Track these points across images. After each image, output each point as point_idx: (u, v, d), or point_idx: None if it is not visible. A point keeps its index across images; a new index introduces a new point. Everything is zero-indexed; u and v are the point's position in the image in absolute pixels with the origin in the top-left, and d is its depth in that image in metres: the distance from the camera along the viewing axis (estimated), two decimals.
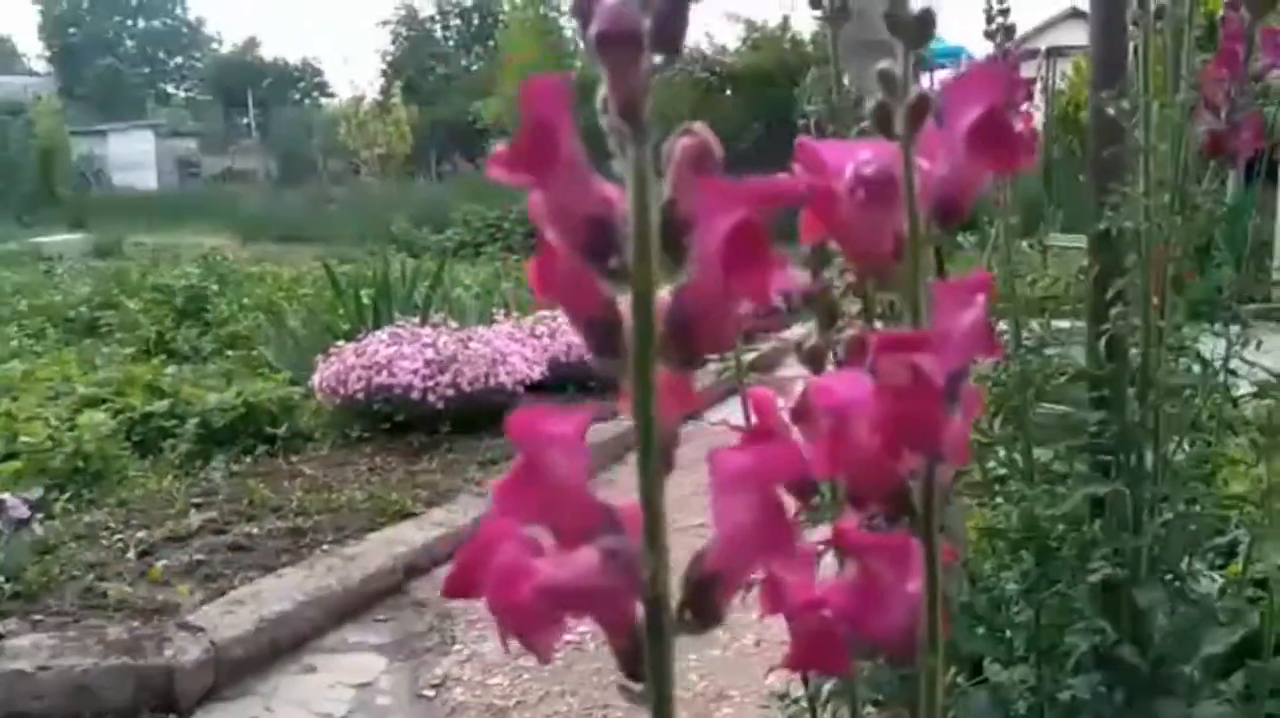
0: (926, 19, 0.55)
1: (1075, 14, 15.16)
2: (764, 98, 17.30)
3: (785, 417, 0.65)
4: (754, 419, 0.67)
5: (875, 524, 0.61)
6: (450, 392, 5.04)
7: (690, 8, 0.45)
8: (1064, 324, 1.78)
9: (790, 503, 0.59)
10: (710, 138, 0.46)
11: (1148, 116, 1.45)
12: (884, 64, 0.55)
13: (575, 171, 0.45)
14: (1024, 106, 1.68)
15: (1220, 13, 1.53)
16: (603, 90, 0.44)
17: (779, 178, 0.47)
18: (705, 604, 0.47)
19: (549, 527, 0.45)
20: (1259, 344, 1.48)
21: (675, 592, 0.47)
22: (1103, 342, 1.53)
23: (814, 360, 0.65)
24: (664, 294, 0.45)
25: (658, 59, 0.44)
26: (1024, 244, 1.86)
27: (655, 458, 0.45)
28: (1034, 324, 1.74)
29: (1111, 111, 1.46)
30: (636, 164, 0.44)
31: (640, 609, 0.45)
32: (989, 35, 1.60)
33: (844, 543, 0.55)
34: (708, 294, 0.44)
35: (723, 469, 0.46)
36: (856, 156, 0.54)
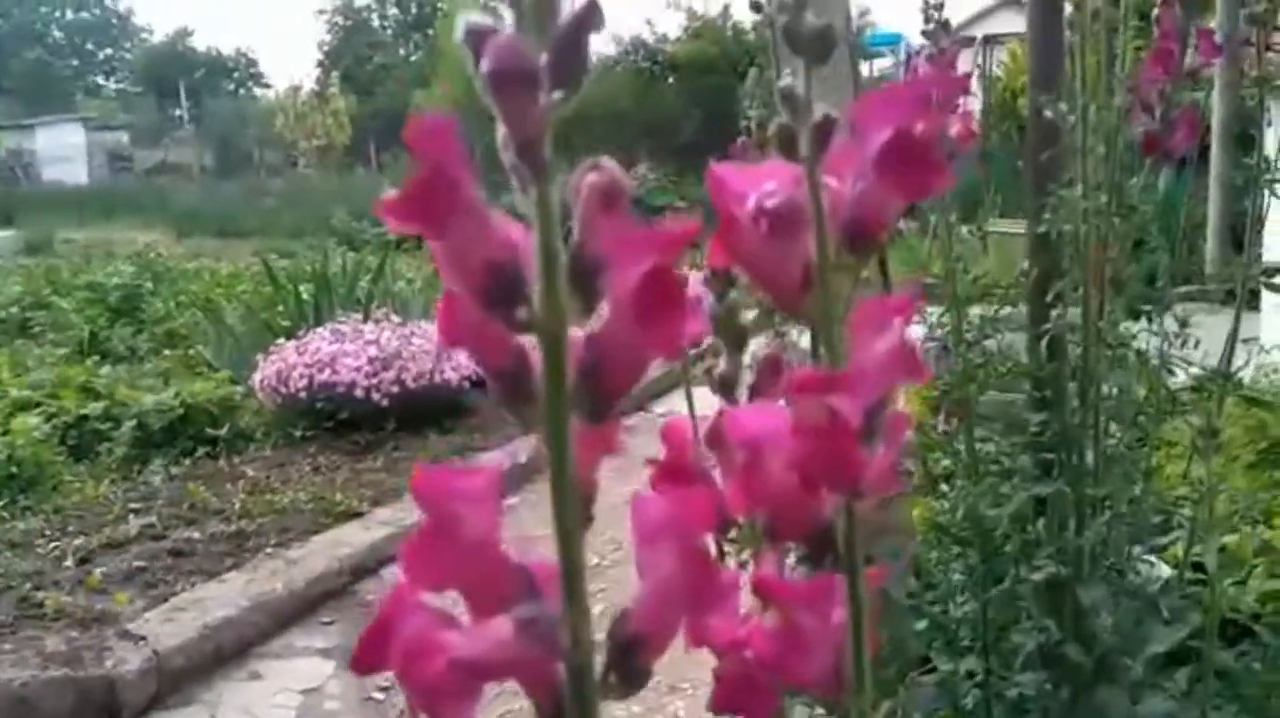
0: (826, 36, 0.52)
1: (1010, 1, 15.34)
2: (705, 86, 17.32)
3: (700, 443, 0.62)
4: (664, 452, 0.63)
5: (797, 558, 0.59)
6: (395, 389, 4.99)
7: (590, 42, 0.41)
8: (1005, 311, 1.79)
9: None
10: (619, 174, 0.43)
11: (1085, 118, 1.46)
12: (785, 81, 0.52)
13: (474, 217, 0.41)
14: (961, 101, 1.69)
15: (1156, 10, 1.55)
16: (500, 129, 0.41)
17: (690, 219, 0.45)
18: (631, 666, 0.44)
19: (462, 592, 0.43)
20: (1196, 344, 1.50)
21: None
22: (1043, 343, 1.55)
23: (725, 387, 0.62)
24: (574, 337, 0.42)
25: (556, 95, 0.41)
26: (964, 230, 1.87)
27: (573, 513, 0.42)
28: (975, 312, 1.74)
29: (1049, 114, 1.47)
30: (540, 206, 0.41)
31: (562, 672, 0.43)
32: (927, 35, 1.61)
33: (764, 592, 0.53)
34: (620, 342, 0.42)
35: (645, 521, 0.44)
36: (760, 184, 0.51)
